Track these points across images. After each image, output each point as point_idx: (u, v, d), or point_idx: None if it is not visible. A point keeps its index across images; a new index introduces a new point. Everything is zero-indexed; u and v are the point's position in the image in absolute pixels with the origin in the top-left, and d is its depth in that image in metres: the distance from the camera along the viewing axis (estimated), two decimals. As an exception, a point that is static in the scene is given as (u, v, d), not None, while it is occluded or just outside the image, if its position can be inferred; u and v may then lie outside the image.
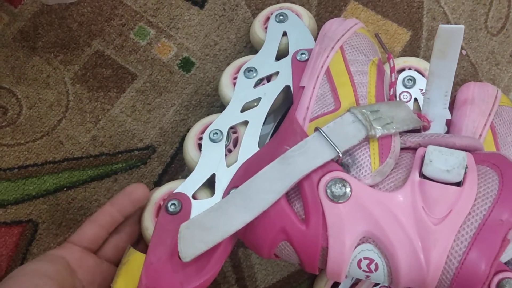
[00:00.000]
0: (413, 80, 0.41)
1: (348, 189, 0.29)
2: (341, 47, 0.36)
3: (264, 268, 0.41)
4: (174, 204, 0.35)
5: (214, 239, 0.31)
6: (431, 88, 0.35)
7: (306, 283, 0.41)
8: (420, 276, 0.28)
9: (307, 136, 0.31)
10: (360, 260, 0.29)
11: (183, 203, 0.35)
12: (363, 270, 0.30)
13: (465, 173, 0.28)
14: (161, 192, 0.37)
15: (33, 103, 0.43)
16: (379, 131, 0.30)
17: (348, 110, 0.31)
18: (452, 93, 0.36)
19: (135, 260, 0.34)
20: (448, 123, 0.38)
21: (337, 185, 0.29)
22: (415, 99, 0.40)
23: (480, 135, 0.36)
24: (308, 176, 0.30)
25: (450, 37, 0.31)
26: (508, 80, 0.45)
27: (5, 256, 0.40)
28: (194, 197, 0.35)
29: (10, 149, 0.42)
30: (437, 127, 0.35)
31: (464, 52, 0.46)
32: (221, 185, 0.35)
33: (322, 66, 0.35)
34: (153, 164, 0.42)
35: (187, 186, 0.36)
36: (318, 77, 0.35)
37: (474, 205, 0.27)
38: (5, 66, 0.43)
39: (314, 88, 0.34)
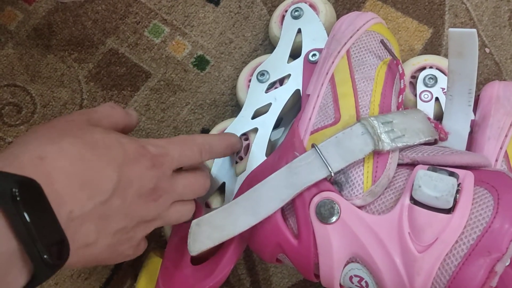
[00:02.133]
0: (435, 78, 0.39)
1: (336, 211, 0.29)
2: (348, 51, 0.35)
3: (279, 271, 0.41)
4: None
5: (221, 237, 0.32)
6: (453, 86, 0.34)
7: (322, 286, 0.40)
8: None
9: (305, 151, 0.31)
10: (351, 277, 0.30)
11: (196, 210, 0.36)
12: (356, 285, 0.30)
13: (457, 198, 0.27)
14: None
15: (47, 102, 0.42)
16: (387, 145, 0.29)
17: (359, 121, 0.31)
18: (475, 93, 0.35)
19: (154, 263, 0.36)
20: (472, 124, 0.37)
21: (326, 206, 0.29)
22: (436, 98, 0.39)
23: (506, 136, 0.35)
24: (300, 195, 0.30)
25: (463, 39, 0.30)
26: (533, 79, 0.43)
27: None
28: (207, 204, 0.37)
29: (24, 147, 0.42)
30: (456, 140, 0.34)
31: (487, 50, 0.44)
32: (229, 194, 0.37)
33: (327, 73, 0.34)
34: (167, 163, 0.42)
35: None
36: (322, 85, 0.34)
37: (463, 232, 0.26)
38: (20, 64, 0.43)
39: (318, 97, 0.34)
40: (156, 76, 0.43)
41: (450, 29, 0.30)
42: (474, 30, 0.29)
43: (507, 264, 0.31)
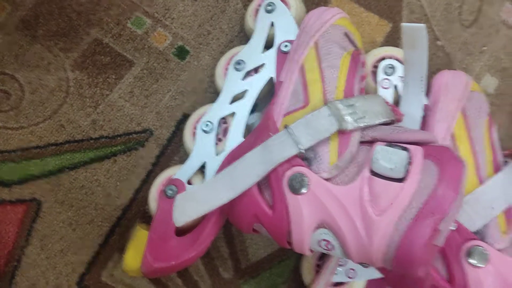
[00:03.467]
0: (393, 68, 0.44)
1: (306, 183, 0.33)
2: (316, 43, 0.39)
3: (255, 242, 0.44)
4: (171, 189, 0.39)
5: (204, 209, 0.36)
6: (408, 73, 0.39)
7: (294, 256, 0.44)
8: (367, 256, 0.32)
9: (278, 132, 0.35)
10: (319, 241, 0.34)
11: (179, 188, 0.39)
12: (324, 248, 0.34)
13: (408, 169, 0.31)
14: (161, 178, 0.41)
15: (35, 89, 0.45)
16: (350, 125, 0.34)
17: (325, 104, 0.35)
18: (428, 82, 0.40)
19: (141, 236, 0.39)
20: (425, 108, 0.41)
21: (297, 179, 0.33)
22: (395, 86, 0.43)
23: (452, 118, 0.40)
24: (274, 170, 0.34)
25: (415, 33, 0.34)
26: (479, 69, 0.48)
27: (12, 232, 0.42)
28: (189, 182, 0.40)
29: (14, 132, 0.44)
30: (410, 121, 0.39)
31: (440, 43, 0.49)
32: (210, 172, 0.39)
33: (297, 62, 0.38)
34: (151, 146, 0.45)
35: (183, 173, 0.40)
36: (293, 73, 0.38)
37: (412, 198, 0.30)
38: (8, 53, 0.45)
39: (289, 83, 0.38)
40: (139, 65, 0.46)
41: (403, 24, 0.34)
42: (424, 24, 0.34)
43: (453, 228, 0.36)
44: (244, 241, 0.44)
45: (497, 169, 0.39)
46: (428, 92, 0.42)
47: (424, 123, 0.41)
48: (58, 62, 0.45)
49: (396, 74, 0.44)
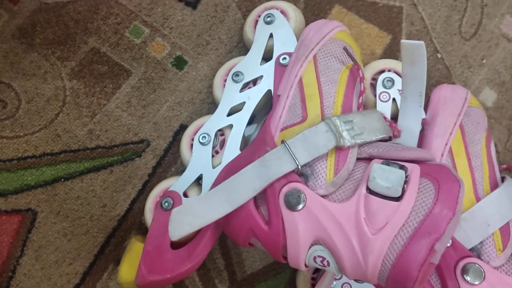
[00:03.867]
0: (392, 81, 0.44)
1: (302, 200, 0.33)
2: (315, 57, 0.38)
3: (251, 255, 0.44)
4: (167, 201, 0.39)
5: (199, 224, 0.35)
6: (406, 88, 0.38)
7: (290, 269, 0.44)
8: (362, 273, 0.32)
9: (275, 146, 0.35)
10: (315, 257, 0.33)
11: (175, 200, 0.39)
12: (319, 264, 0.34)
13: (405, 188, 0.31)
14: (157, 189, 0.41)
15: (31, 98, 0.44)
16: (348, 141, 0.33)
17: (323, 120, 0.34)
18: (427, 94, 0.39)
19: (136, 248, 0.39)
20: (423, 122, 0.41)
21: (293, 195, 0.33)
22: (393, 99, 0.43)
23: (451, 133, 0.39)
24: (271, 185, 0.34)
25: (414, 49, 0.34)
26: (478, 82, 0.48)
27: (6, 243, 0.42)
28: (185, 194, 0.40)
29: (10, 141, 0.44)
30: (409, 136, 0.39)
31: (439, 56, 0.49)
32: (207, 184, 0.39)
33: (295, 76, 0.38)
34: (147, 157, 0.45)
35: (179, 185, 0.40)
36: (291, 86, 0.38)
37: (409, 217, 0.30)
38: (4, 61, 0.45)
39: (287, 97, 0.37)
40: (137, 74, 0.46)
41: (402, 41, 0.34)
42: (422, 42, 0.34)
43: (449, 244, 0.36)
44: (240, 253, 0.44)
45: (493, 185, 0.39)
46: (426, 106, 0.42)
47: (422, 137, 0.41)
48: (55, 71, 0.45)
49: (395, 87, 0.43)
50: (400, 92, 0.43)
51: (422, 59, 0.35)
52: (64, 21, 0.46)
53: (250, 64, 0.42)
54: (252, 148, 0.37)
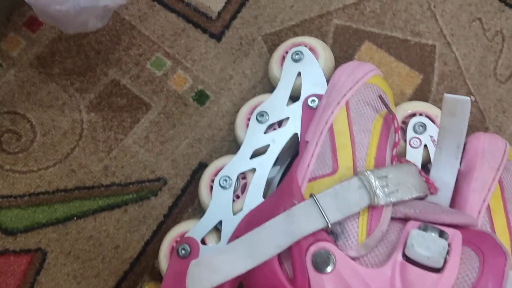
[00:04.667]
0: (424, 126, 0.41)
1: (332, 262, 0.30)
2: (347, 103, 0.36)
3: (269, 305, 0.42)
4: (184, 248, 0.37)
5: (219, 280, 0.33)
6: (443, 140, 0.36)
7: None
8: None
9: (303, 199, 0.33)
10: None
11: (192, 247, 0.37)
12: None
13: (446, 258, 0.28)
14: (173, 233, 0.39)
15: (47, 130, 0.43)
16: (382, 200, 0.31)
17: (356, 175, 0.32)
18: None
19: None
20: (458, 173, 0.39)
21: (322, 256, 0.31)
22: (425, 146, 0.41)
23: (489, 190, 0.37)
24: (298, 243, 0.31)
25: (457, 104, 0.32)
26: (514, 127, 0.46)
27: (13, 285, 0.40)
28: (203, 241, 0.38)
29: (22, 176, 0.42)
30: (443, 189, 0.36)
31: (473, 98, 0.47)
32: (226, 232, 0.37)
33: (326, 123, 0.36)
34: (164, 196, 0.43)
35: (197, 231, 0.38)
36: (321, 133, 0.36)
37: None
38: (21, 91, 0.43)
39: (316, 145, 0.35)
40: (157, 108, 0.44)
41: (446, 95, 0.32)
42: (469, 98, 0.31)
43: None
44: (257, 303, 0.42)
45: (534, 247, 0.36)
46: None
47: (456, 190, 0.38)
48: (73, 103, 0.43)
49: (427, 133, 0.41)
50: (433, 138, 0.40)
51: (465, 114, 0.33)
52: (85, 51, 0.44)
53: (276, 104, 0.40)
54: (277, 198, 0.35)
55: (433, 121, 0.42)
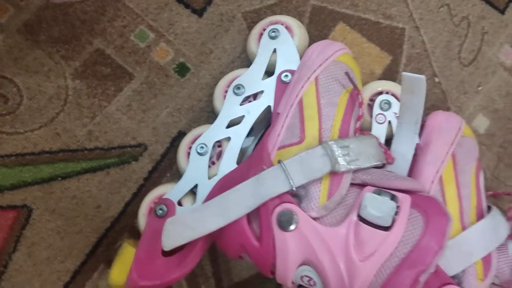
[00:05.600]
0: (389, 104, 0.44)
1: (295, 221, 0.34)
2: (316, 78, 0.39)
3: (239, 264, 0.45)
4: (161, 209, 0.40)
5: (192, 236, 0.36)
6: (403, 115, 0.39)
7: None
8: None
9: (272, 165, 0.36)
10: (302, 277, 0.35)
11: (169, 208, 0.40)
12: (305, 283, 0.35)
13: (395, 218, 0.32)
14: (152, 195, 0.42)
15: (33, 95, 0.45)
16: (343, 167, 0.34)
17: (320, 144, 0.35)
18: (422, 117, 0.40)
19: (128, 253, 0.39)
20: (416, 147, 0.42)
21: (286, 216, 0.34)
22: (389, 122, 0.44)
23: (442, 162, 0.41)
24: (265, 204, 0.35)
25: (414, 82, 0.35)
26: (473, 108, 0.49)
27: (0, 238, 0.42)
28: (179, 202, 0.40)
29: (9, 137, 0.44)
30: (401, 161, 0.40)
31: (437, 80, 0.50)
32: (201, 195, 0.40)
33: (296, 96, 0.39)
34: (144, 161, 0.45)
35: (174, 193, 0.40)
36: (292, 106, 0.38)
37: (397, 247, 0.31)
38: (8, 56, 0.45)
39: (287, 116, 0.38)
40: (139, 78, 0.46)
41: (403, 73, 0.35)
42: (423, 76, 0.35)
43: (432, 270, 0.37)
44: (228, 262, 0.45)
45: (479, 215, 0.40)
46: (420, 131, 0.43)
47: (414, 162, 0.42)
48: (58, 70, 0.45)
49: (392, 110, 0.44)
50: (397, 116, 0.43)
51: (421, 91, 0.36)
52: (70, 20, 0.46)
53: (252, 78, 0.43)
54: (248, 164, 0.38)
55: (398, 99, 0.45)
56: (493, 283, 0.38)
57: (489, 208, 0.41)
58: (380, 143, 0.39)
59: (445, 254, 0.37)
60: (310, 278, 0.34)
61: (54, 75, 0.45)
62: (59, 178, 0.44)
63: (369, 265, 0.31)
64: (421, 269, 0.31)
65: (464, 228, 0.39)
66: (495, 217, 0.39)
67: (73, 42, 0.46)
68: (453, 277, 0.37)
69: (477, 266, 0.37)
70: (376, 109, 0.44)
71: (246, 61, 0.47)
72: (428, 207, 0.33)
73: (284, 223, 0.34)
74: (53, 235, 0.43)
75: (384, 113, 0.44)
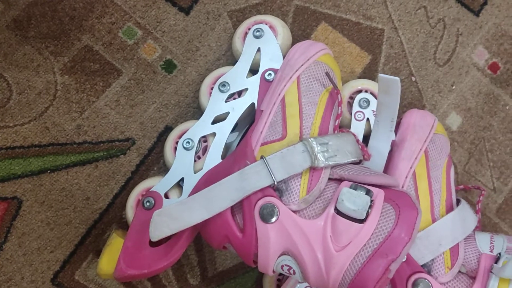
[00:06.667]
0: (368, 102, 0.46)
1: (276, 214, 0.36)
2: (298, 78, 0.41)
3: (223, 253, 0.47)
4: (149, 201, 0.41)
5: (178, 227, 0.38)
6: (380, 114, 0.42)
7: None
8: (323, 285, 0.35)
9: (255, 160, 0.38)
10: (282, 266, 0.37)
11: (156, 200, 0.41)
12: (285, 272, 0.37)
13: (369, 212, 0.34)
14: (140, 188, 0.43)
15: (22, 89, 0.46)
16: (322, 163, 0.37)
17: (301, 140, 0.37)
18: (399, 115, 0.43)
19: (116, 243, 0.41)
20: (392, 143, 0.45)
21: (268, 209, 0.36)
22: (368, 119, 0.46)
23: (416, 158, 0.43)
24: (248, 197, 0.37)
25: (389, 83, 0.37)
26: (447, 106, 0.52)
27: (-9, 229, 0.43)
28: (166, 195, 0.42)
29: (-1, 130, 0.45)
30: (378, 156, 0.42)
31: (413, 79, 0.52)
32: (187, 188, 0.42)
33: (279, 94, 0.41)
34: (132, 155, 0.47)
35: (161, 186, 0.42)
36: (274, 104, 0.40)
37: (370, 239, 0.34)
38: (-2, 51, 0.46)
39: (270, 114, 0.40)
40: (127, 75, 0.48)
41: (380, 75, 0.37)
42: (398, 78, 0.37)
43: (404, 260, 0.40)
44: (212, 252, 0.47)
45: (449, 208, 0.42)
46: (396, 128, 0.46)
47: (390, 158, 0.44)
48: (47, 65, 0.46)
49: (370, 108, 0.46)
50: (374, 113, 0.46)
51: (396, 92, 0.38)
52: (59, 17, 0.47)
53: (236, 76, 0.45)
54: (233, 159, 0.40)
55: (376, 98, 0.47)
56: (460, 271, 0.40)
57: (458, 201, 0.44)
58: (357, 140, 0.41)
59: (416, 244, 0.40)
60: (290, 267, 0.37)
61: (43, 70, 0.46)
62: (49, 171, 0.45)
63: (344, 255, 0.34)
64: (392, 258, 0.33)
65: (434, 220, 0.41)
66: (464, 210, 0.42)
67: (62, 38, 0.47)
68: (423, 265, 0.40)
69: (446, 255, 0.40)
70: (356, 107, 0.46)
71: (231, 59, 0.49)
72: (400, 201, 0.35)
73: (266, 215, 0.36)
74: (43, 226, 0.45)
75: (363, 110, 0.46)
